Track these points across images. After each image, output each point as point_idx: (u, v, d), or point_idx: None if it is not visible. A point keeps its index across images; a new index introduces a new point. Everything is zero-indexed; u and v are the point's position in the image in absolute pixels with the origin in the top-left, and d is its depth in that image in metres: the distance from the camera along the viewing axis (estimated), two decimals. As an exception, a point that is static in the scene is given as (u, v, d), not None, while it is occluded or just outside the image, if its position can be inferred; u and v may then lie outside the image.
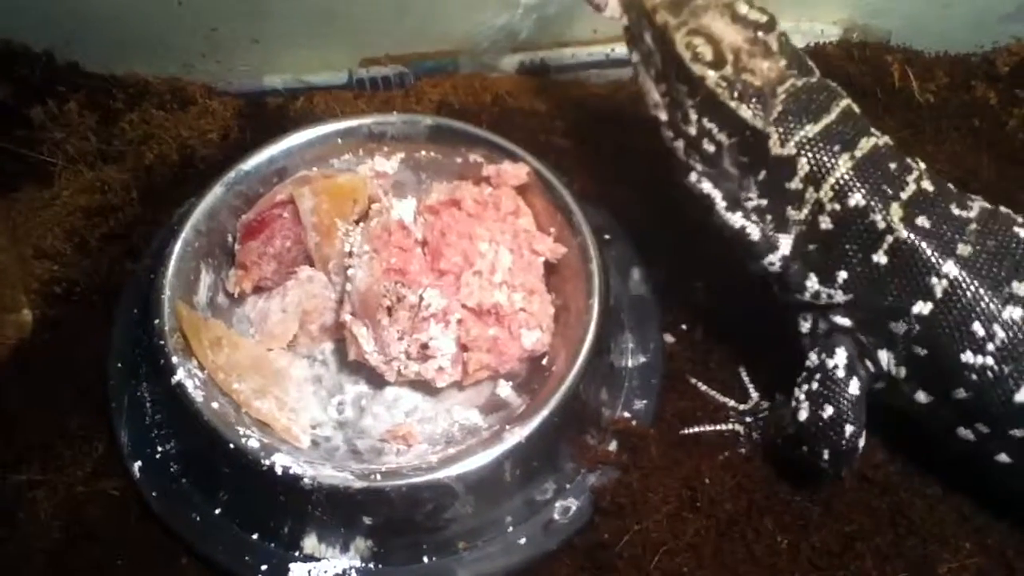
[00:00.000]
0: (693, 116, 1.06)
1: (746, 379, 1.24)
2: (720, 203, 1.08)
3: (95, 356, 1.23)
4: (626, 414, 1.20)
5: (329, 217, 1.25)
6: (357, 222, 1.28)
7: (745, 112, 1.02)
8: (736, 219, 1.07)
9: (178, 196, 1.37)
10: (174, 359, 1.09)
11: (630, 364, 1.25)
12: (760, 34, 1.05)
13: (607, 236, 1.34)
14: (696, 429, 1.19)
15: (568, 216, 1.24)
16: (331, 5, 1.50)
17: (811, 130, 1.01)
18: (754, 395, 1.22)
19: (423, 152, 1.34)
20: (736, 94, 1.02)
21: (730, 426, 1.19)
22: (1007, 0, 1.55)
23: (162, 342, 1.10)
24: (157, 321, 1.11)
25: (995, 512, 1.10)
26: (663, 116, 1.11)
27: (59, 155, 1.45)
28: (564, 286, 1.24)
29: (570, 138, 1.50)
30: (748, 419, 1.19)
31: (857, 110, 1.05)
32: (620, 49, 1.56)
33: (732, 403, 1.22)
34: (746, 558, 1.07)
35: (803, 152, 1.01)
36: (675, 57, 1.05)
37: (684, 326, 1.30)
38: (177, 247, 1.18)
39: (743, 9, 1.06)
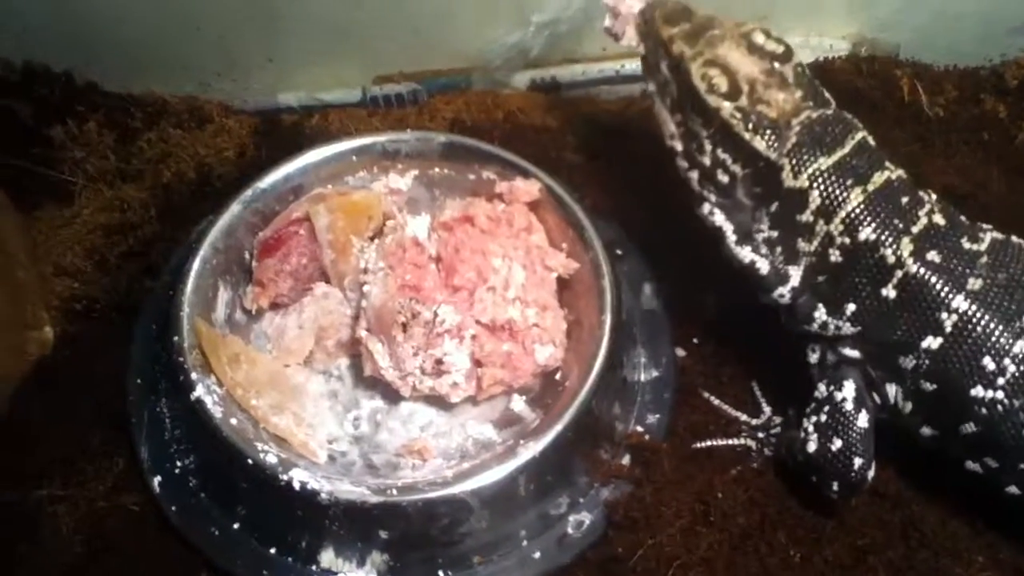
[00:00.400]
0: (708, 147, 1.07)
1: (758, 393, 1.25)
2: (731, 236, 1.08)
3: (115, 372, 1.24)
4: (639, 428, 1.20)
5: (344, 234, 1.26)
6: (372, 239, 1.29)
7: (759, 143, 1.02)
8: (746, 253, 1.08)
9: (196, 213, 1.39)
10: (193, 375, 1.10)
11: (643, 378, 1.26)
12: (777, 65, 1.05)
13: (619, 251, 1.35)
14: (708, 443, 1.19)
15: (580, 232, 1.25)
16: (345, 23, 1.52)
17: (824, 163, 1.01)
18: (766, 409, 1.23)
19: (436, 169, 1.36)
20: (750, 125, 1.02)
21: (742, 440, 1.19)
22: (1016, 13, 1.56)
23: (181, 359, 1.12)
24: (176, 338, 1.13)
25: (1007, 526, 1.10)
26: (678, 146, 1.11)
27: (79, 174, 1.47)
28: (577, 301, 1.25)
29: (581, 154, 1.51)
30: (760, 434, 1.20)
31: (872, 143, 1.05)
32: (630, 65, 1.59)
33: (744, 417, 1.22)
34: (759, 572, 1.08)
35: (815, 185, 1.01)
36: (690, 87, 1.05)
37: (696, 340, 1.31)
38: (195, 265, 1.19)
39: (760, 39, 1.06)
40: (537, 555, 1.11)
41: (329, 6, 1.50)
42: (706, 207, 1.10)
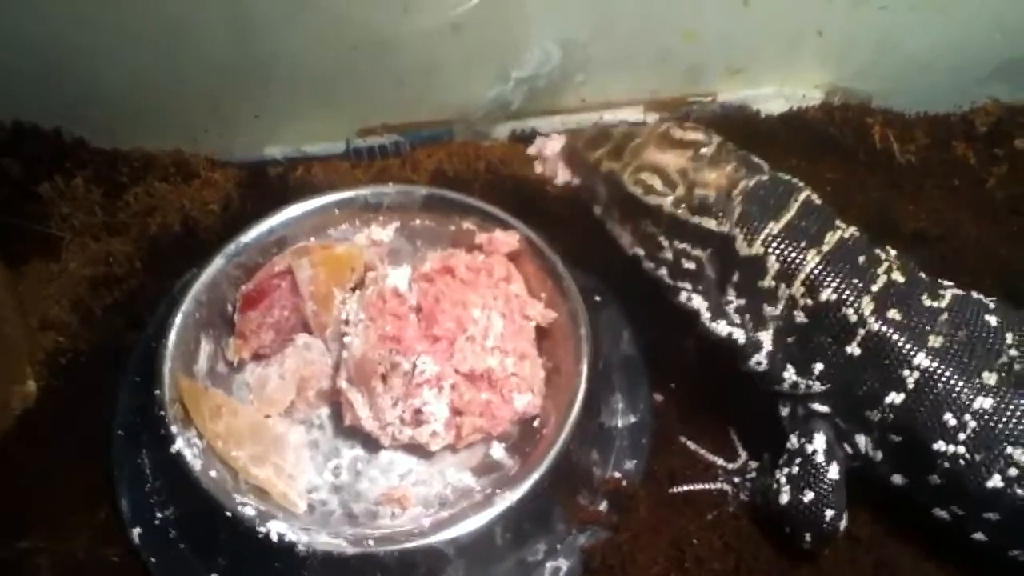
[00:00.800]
0: (665, 243, 1.11)
1: (734, 438, 1.26)
2: (705, 314, 1.11)
3: (98, 424, 1.25)
4: (617, 474, 1.21)
5: (326, 286, 1.28)
6: (354, 289, 1.32)
7: (708, 223, 1.06)
8: (722, 328, 1.10)
9: (181, 266, 1.41)
10: (173, 428, 1.12)
11: (620, 424, 1.27)
12: (702, 150, 1.10)
13: (598, 298, 1.37)
14: (685, 488, 1.20)
15: (558, 281, 1.28)
16: (330, 77, 1.56)
17: (774, 228, 1.04)
18: (742, 454, 1.24)
19: (418, 221, 1.39)
20: (694, 209, 1.07)
21: (719, 485, 1.20)
22: (984, 62, 1.60)
23: (162, 412, 1.13)
24: (157, 392, 1.15)
25: (978, 570, 1.10)
26: (640, 252, 1.15)
27: (66, 228, 1.49)
28: (555, 349, 1.27)
29: (561, 202, 1.53)
30: (736, 479, 1.20)
31: (818, 201, 1.08)
32: (608, 116, 1.63)
33: (721, 462, 1.23)
34: (734, 618, 1.09)
35: (770, 250, 1.04)
36: (629, 197, 1.11)
37: (673, 385, 1.32)
38: (178, 319, 1.21)
39: (678, 134, 1.12)
40: (515, 603, 1.11)
41: (316, 61, 1.53)
42: (683, 296, 1.13)
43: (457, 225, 1.37)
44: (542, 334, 1.29)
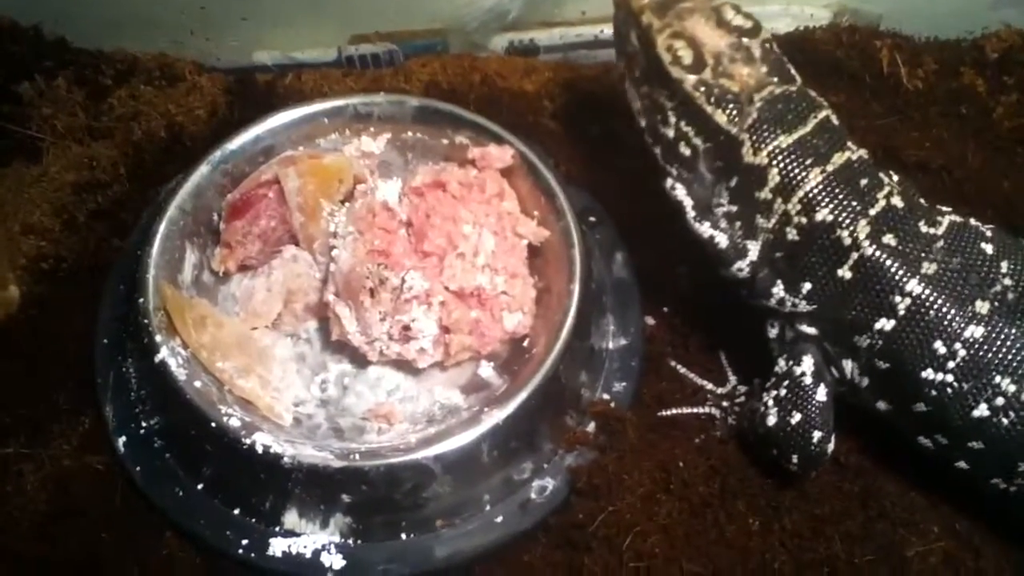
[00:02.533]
0: (672, 119, 1.07)
1: (725, 363, 1.25)
2: (690, 212, 1.08)
3: (82, 332, 1.24)
4: (605, 396, 1.21)
5: (314, 197, 1.25)
6: (342, 202, 1.29)
7: (720, 117, 1.02)
8: (705, 228, 1.08)
9: (166, 173, 1.38)
10: (157, 338, 1.10)
11: (611, 346, 1.26)
12: (744, 40, 1.05)
13: (592, 218, 1.35)
14: (673, 411, 1.20)
15: (552, 200, 1.25)
16: (322, -19, 1.51)
17: (784, 141, 1.01)
18: (732, 379, 1.24)
19: (409, 133, 1.35)
20: (712, 99, 1.02)
21: (707, 409, 1.20)
22: (998, -17, 1.55)
23: (146, 321, 1.11)
24: (141, 300, 1.13)
25: (964, 498, 1.12)
26: (644, 120, 1.11)
27: (47, 131, 1.45)
28: (546, 269, 1.25)
29: (558, 119, 1.50)
30: (724, 403, 1.20)
31: (836, 122, 1.05)
32: (609, 30, 1.56)
33: (710, 386, 1.23)
34: (717, 539, 1.09)
35: (774, 163, 1.01)
36: (655, 59, 1.05)
37: (666, 309, 1.31)
38: (162, 226, 1.19)
39: (729, 15, 1.06)
40: (499, 519, 1.11)
41: (306, -37, 1.48)
42: (669, 181, 1.10)
43: (450, 139, 1.33)
44: (534, 253, 1.27)
